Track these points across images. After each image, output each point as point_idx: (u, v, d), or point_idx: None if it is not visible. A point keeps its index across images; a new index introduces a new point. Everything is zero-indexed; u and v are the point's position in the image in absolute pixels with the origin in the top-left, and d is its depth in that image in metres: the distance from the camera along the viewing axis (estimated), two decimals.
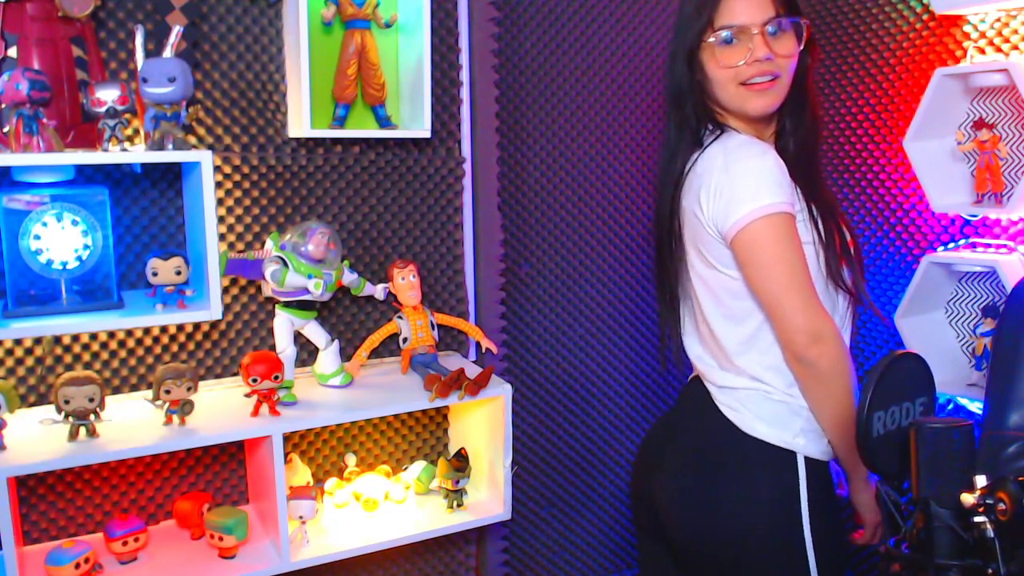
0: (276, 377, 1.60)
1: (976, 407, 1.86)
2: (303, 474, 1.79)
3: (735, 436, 1.43)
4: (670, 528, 1.49)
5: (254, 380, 1.58)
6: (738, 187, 1.33)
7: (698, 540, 1.44)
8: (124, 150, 1.45)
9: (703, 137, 1.44)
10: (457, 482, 1.83)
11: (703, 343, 1.51)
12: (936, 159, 1.89)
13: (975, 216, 1.88)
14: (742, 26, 1.37)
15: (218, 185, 1.71)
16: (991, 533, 0.96)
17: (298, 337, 1.76)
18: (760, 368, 1.42)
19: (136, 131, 1.55)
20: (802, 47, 1.42)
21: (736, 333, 1.43)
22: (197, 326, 1.74)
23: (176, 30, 1.53)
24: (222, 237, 1.74)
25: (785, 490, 1.39)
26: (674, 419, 1.60)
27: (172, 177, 1.69)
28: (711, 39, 1.39)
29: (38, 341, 1.61)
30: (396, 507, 1.84)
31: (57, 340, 1.62)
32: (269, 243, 1.70)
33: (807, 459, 1.40)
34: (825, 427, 1.40)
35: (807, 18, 1.43)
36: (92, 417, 1.48)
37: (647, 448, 1.63)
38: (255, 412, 1.60)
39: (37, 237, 1.47)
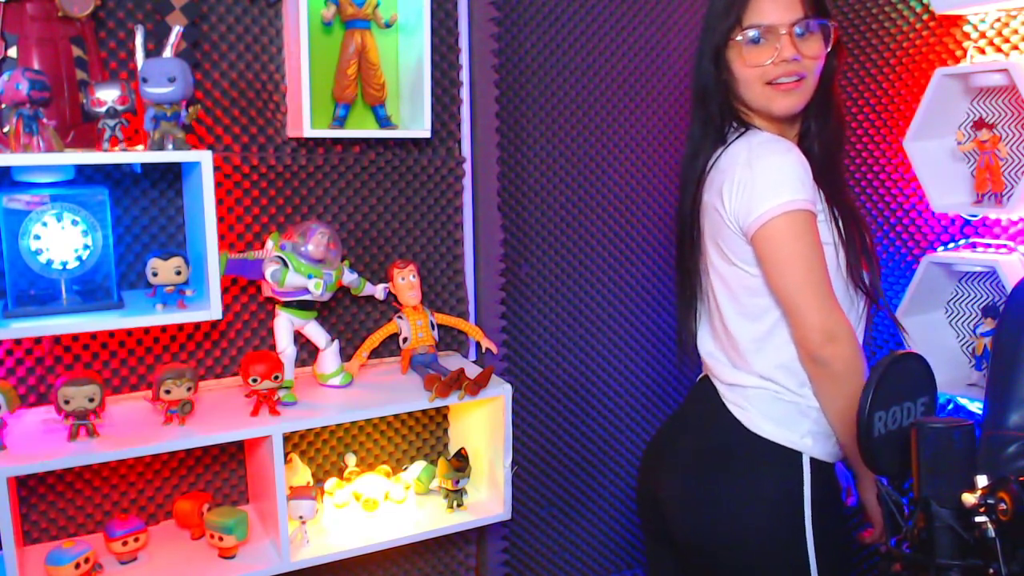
0: (276, 377, 1.60)
1: (976, 407, 1.86)
2: (303, 474, 1.79)
3: (741, 435, 1.43)
4: (673, 528, 1.49)
5: (254, 380, 1.58)
6: (760, 183, 1.33)
7: (700, 540, 1.44)
8: (124, 150, 1.45)
9: (727, 135, 1.45)
10: (457, 482, 1.83)
11: (716, 340, 1.51)
12: (936, 159, 1.89)
13: (975, 216, 1.89)
14: (770, 26, 1.38)
15: (218, 185, 1.71)
16: (992, 533, 0.96)
17: (298, 337, 1.76)
18: (771, 367, 1.42)
19: (136, 131, 1.55)
20: (829, 49, 1.42)
21: (751, 331, 1.43)
22: (197, 326, 1.74)
23: (176, 30, 1.53)
24: (222, 237, 1.74)
25: (789, 490, 1.39)
26: (680, 418, 1.60)
27: (172, 177, 1.69)
28: (739, 37, 1.40)
29: (38, 341, 1.60)
30: (396, 507, 1.84)
31: (57, 340, 1.62)
32: (269, 243, 1.70)
33: (813, 460, 1.40)
34: (835, 426, 1.40)
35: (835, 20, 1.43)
36: (92, 417, 1.48)
37: (652, 447, 1.63)
38: (255, 412, 1.60)
39: (37, 237, 1.47)
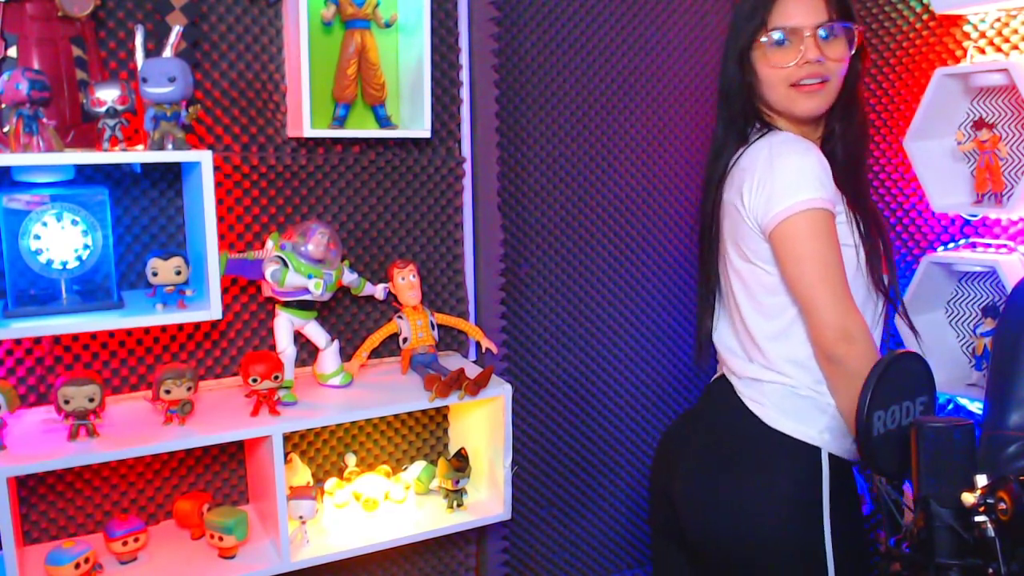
0: (276, 377, 1.60)
1: (976, 407, 1.86)
2: (303, 474, 1.79)
3: (758, 430, 1.42)
4: (687, 525, 1.49)
5: (254, 380, 1.58)
6: (780, 181, 1.34)
7: (715, 537, 1.44)
8: (124, 150, 1.45)
9: (749, 135, 1.46)
10: (457, 482, 1.83)
11: (736, 336, 1.52)
12: (936, 159, 1.89)
13: (975, 216, 1.89)
14: (794, 28, 1.39)
15: (218, 185, 1.71)
16: (992, 533, 0.96)
17: (298, 337, 1.76)
18: (787, 363, 1.42)
19: (136, 131, 1.55)
20: (853, 52, 1.43)
21: (767, 328, 1.44)
22: (197, 326, 1.74)
23: (176, 30, 1.53)
24: (222, 237, 1.74)
25: (807, 486, 1.38)
26: (696, 415, 1.61)
27: (172, 177, 1.69)
28: (763, 39, 1.42)
29: (38, 341, 1.60)
30: (396, 507, 1.84)
31: (57, 340, 1.62)
32: (269, 243, 1.70)
33: (831, 456, 1.40)
34: (850, 426, 1.39)
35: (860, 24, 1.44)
36: (92, 417, 1.48)
37: (666, 444, 1.63)
38: (255, 412, 1.60)
39: (37, 237, 1.47)
